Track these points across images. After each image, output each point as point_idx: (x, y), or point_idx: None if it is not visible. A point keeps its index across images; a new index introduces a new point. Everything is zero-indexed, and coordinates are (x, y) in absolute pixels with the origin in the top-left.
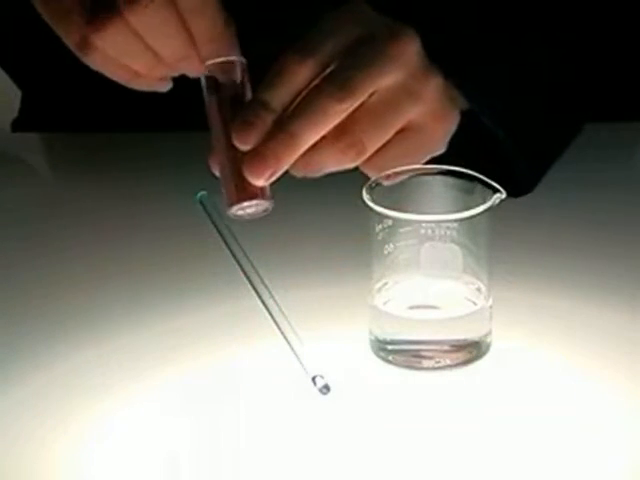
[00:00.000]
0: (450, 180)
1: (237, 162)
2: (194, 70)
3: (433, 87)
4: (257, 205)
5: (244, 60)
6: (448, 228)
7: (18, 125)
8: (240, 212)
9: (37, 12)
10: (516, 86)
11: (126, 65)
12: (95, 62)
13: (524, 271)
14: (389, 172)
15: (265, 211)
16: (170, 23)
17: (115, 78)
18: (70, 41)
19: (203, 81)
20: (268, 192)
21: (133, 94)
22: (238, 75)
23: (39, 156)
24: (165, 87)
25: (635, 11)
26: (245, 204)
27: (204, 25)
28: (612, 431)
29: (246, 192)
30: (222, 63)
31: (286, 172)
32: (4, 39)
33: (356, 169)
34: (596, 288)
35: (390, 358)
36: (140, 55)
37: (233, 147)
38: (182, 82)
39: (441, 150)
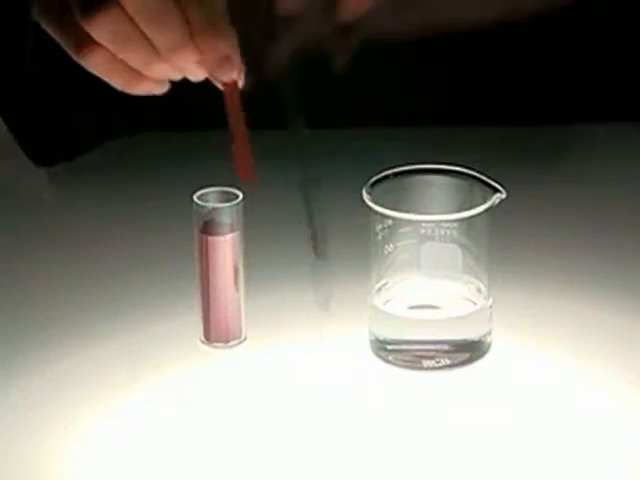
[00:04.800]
0: (450, 180)
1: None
2: (190, 63)
3: None
4: None
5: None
6: (448, 228)
7: None
8: None
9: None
10: None
11: (124, 63)
12: (94, 64)
13: (524, 271)
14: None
15: None
16: (166, 8)
17: (114, 81)
18: (70, 45)
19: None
20: None
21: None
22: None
23: None
24: (162, 89)
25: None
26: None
27: (202, 14)
28: (612, 431)
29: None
30: None
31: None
32: None
33: (356, 168)
34: (596, 288)
35: (390, 358)
36: (137, 46)
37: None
38: (179, 83)
39: None
